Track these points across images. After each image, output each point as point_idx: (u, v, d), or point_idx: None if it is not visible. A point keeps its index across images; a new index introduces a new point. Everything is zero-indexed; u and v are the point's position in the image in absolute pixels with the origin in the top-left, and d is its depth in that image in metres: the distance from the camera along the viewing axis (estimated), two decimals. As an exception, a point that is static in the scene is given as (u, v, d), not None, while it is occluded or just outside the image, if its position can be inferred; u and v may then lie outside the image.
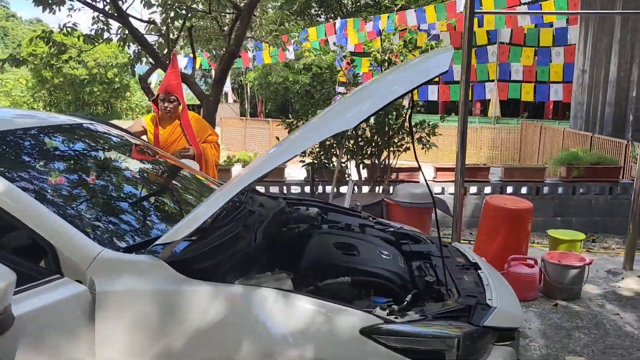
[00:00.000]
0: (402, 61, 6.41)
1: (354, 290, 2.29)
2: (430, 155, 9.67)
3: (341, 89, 9.12)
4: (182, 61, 22.05)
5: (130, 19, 6.45)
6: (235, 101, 34.40)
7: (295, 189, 7.26)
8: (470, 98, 22.10)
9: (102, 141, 3.05)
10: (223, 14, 6.84)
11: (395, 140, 6.42)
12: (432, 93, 22.20)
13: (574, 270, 4.58)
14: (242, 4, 6.25)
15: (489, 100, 21.24)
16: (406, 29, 21.68)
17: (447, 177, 7.17)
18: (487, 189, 7.18)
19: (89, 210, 2.25)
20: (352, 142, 6.36)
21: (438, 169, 7.21)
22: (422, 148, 6.42)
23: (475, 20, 19.94)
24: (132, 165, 3.00)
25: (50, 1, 6.77)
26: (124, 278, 1.93)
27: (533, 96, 19.62)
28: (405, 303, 2.17)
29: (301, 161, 6.48)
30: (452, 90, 21.55)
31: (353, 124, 1.90)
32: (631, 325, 4.14)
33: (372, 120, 6.44)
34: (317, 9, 38.77)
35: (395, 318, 2.05)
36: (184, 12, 6.00)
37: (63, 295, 1.85)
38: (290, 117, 6.98)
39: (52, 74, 31.25)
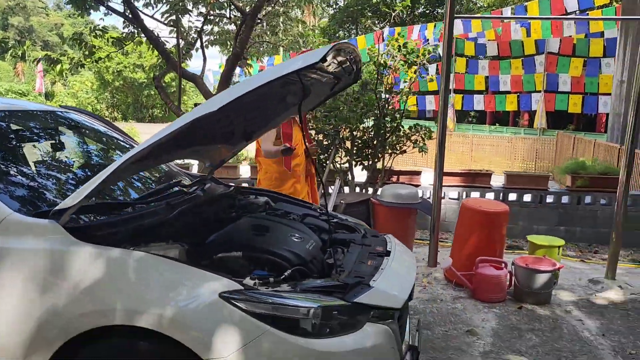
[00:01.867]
0: (402, 66, 6.54)
1: (244, 263, 2.50)
2: (459, 163, 9.64)
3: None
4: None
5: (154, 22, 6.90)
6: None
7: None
8: (517, 109, 21.84)
9: (65, 126, 3.41)
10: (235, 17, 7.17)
11: (394, 142, 6.54)
12: (478, 103, 21.97)
13: (543, 275, 4.56)
14: (248, 9, 6.55)
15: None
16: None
17: (450, 181, 7.21)
18: (490, 195, 7.16)
19: (16, 178, 2.56)
20: (349, 143, 6.53)
21: (440, 174, 7.24)
22: (420, 152, 6.50)
23: (524, 29, 19.78)
24: (85, 146, 3.35)
25: (87, 5, 7.35)
26: (25, 237, 2.22)
27: (581, 108, 19.06)
28: (282, 277, 2.36)
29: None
30: (497, 100, 21.25)
31: (215, 108, 2.11)
32: (589, 332, 4.11)
33: (370, 123, 6.60)
34: (371, 17, 39.05)
35: (263, 287, 2.25)
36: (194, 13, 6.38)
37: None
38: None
39: (113, 77, 33.08)
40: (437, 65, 23.87)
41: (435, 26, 20.99)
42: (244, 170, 7.84)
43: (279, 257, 2.54)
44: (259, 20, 6.77)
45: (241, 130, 3.44)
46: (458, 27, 20.14)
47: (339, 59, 2.79)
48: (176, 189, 3.16)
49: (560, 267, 4.70)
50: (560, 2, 16.33)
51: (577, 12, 17.63)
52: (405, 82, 6.52)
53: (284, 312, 2.14)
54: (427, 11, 34.85)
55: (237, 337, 2.07)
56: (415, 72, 6.34)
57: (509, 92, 20.97)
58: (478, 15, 17.62)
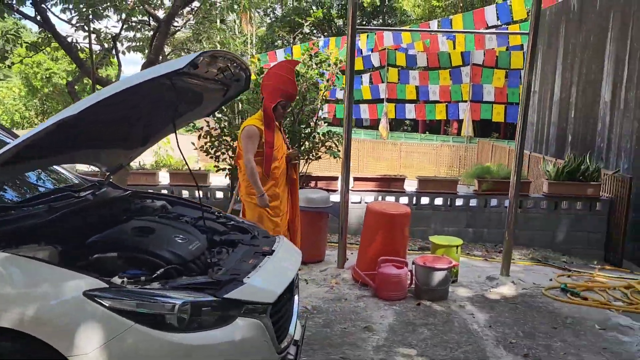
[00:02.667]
0: (317, 74, 6.72)
1: (121, 264, 2.55)
2: (389, 170, 9.91)
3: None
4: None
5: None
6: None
7: (219, 194, 7.53)
8: (446, 117, 22.74)
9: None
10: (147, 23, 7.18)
11: (309, 148, 6.70)
12: (410, 112, 22.64)
13: (439, 273, 4.82)
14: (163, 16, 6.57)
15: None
16: (385, 49, 22.36)
17: (364, 186, 7.46)
18: (404, 199, 7.44)
19: None
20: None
21: (356, 179, 7.48)
22: (333, 157, 6.69)
23: (450, 42, 20.61)
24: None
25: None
26: None
27: (504, 117, 20.03)
28: (154, 275, 2.44)
29: (215, 166, 6.76)
30: (427, 109, 22.03)
31: (77, 111, 2.18)
32: (478, 324, 4.38)
33: (285, 130, 6.73)
34: (310, 27, 39.49)
35: (132, 285, 2.32)
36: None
37: None
38: None
39: (42, 83, 31.90)
40: (370, 75, 24.62)
41: (367, 37, 21.58)
42: (163, 177, 7.81)
43: (157, 257, 2.61)
44: (178, 28, 6.79)
45: (135, 136, 3.48)
46: (389, 38, 20.83)
47: (220, 65, 2.90)
48: (65, 193, 3.17)
49: (456, 265, 4.98)
50: (481, 16, 17.14)
51: (502, 25, 18.58)
52: (320, 90, 6.70)
53: (148, 308, 2.22)
54: (364, 22, 35.68)
55: (100, 334, 2.13)
56: (328, 81, 6.54)
57: (438, 102, 21.79)
58: (380, 27, 18.50)
